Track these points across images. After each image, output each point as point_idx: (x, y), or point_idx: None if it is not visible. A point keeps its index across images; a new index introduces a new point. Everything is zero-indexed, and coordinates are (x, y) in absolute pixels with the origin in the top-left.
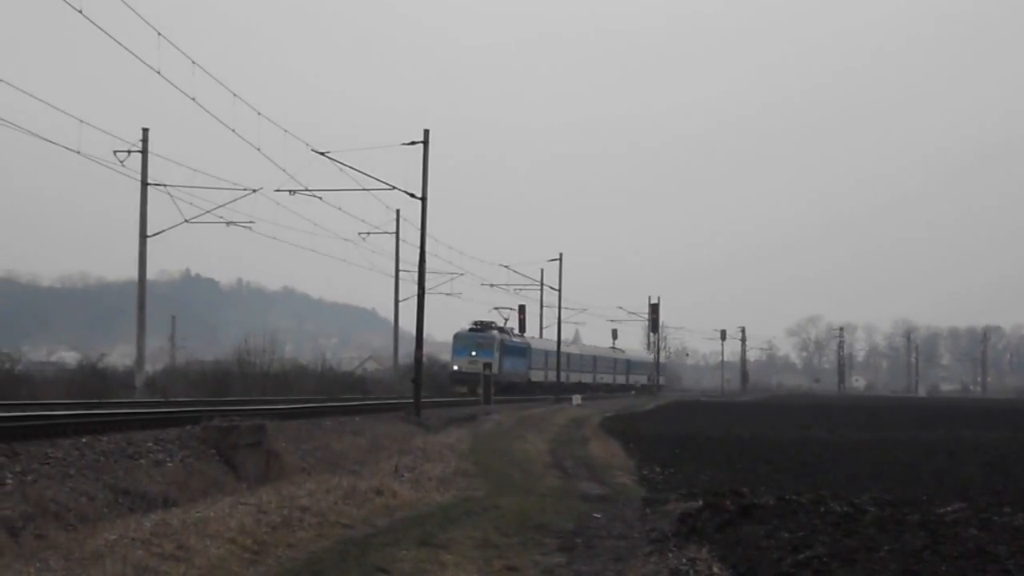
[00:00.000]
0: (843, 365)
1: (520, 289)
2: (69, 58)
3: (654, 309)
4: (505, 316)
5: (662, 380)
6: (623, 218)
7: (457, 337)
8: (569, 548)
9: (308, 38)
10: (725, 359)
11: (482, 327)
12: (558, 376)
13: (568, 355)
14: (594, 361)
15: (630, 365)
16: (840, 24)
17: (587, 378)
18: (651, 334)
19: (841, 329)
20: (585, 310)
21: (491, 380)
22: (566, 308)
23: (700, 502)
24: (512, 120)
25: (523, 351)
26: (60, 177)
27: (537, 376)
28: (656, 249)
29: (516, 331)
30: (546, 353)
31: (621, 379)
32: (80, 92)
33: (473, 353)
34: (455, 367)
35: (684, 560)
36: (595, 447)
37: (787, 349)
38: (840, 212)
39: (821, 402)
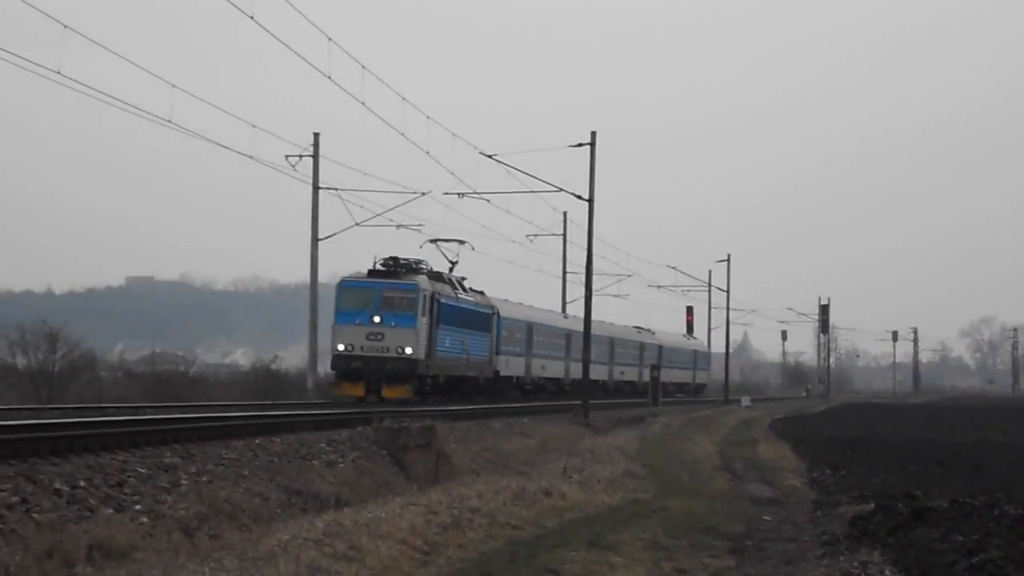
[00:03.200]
0: (1017, 366)
1: (688, 290)
2: (241, 64)
3: (824, 310)
4: (452, 257)
5: (820, 386)
6: (794, 218)
7: (344, 289)
8: (739, 551)
9: (475, 43)
10: (897, 361)
11: (395, 267)
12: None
13: (568, 334)
14: (611, 346)
15: (663, 354)
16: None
17: (600, 372)
18: (821, 335)
19: (1015, 330)
20: (754, 311)
21: (658, 382)
22: (734, 309)
23: (872, 505)
24: (681, 119)
25: (483, 320)
26: (233, 181)
27: (513, 366)
28: (828, 250)
29: (470, 285)
30: (529, 327)
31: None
32: (252, 97)
33: (376, 319)
34: (340, 346)
35: (856, 563)
36: (764, 449)
37: (960, 350)
38: (1015, 213)
39: (995, 404)
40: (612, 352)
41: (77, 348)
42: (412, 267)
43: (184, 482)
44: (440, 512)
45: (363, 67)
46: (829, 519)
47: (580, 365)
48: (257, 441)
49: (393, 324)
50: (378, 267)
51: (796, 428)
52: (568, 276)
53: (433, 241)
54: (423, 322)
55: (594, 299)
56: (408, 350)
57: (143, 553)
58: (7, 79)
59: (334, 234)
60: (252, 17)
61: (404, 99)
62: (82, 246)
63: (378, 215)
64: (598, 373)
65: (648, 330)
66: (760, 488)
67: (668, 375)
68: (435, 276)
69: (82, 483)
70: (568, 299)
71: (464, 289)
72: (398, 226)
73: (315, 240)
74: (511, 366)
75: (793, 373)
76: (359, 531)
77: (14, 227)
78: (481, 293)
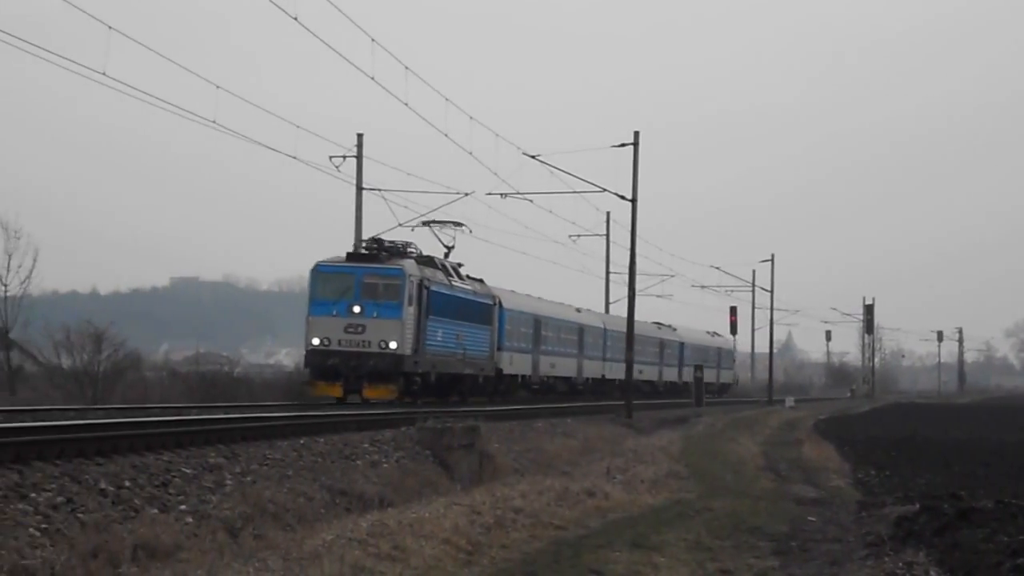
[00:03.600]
0: None
1: (731, 291)
2: (285, 65)
3: (868, 310)
4: (448, 242)
5: (865, 386)
6: (837, 217)
7: (319, 275)
8: (783, 551)
9: (518, 43)
10: (942, 361)
11: (378, 249)
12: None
13: (581, 328)
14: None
15: (684, 352)
16: None
17: (615, 370)
18: (865, 335)
19: None
20: (798, 311)
21: (702, 382)
22: (778, 309)
23: (917, 506)
24: (722, 118)
25: (483, 312)
26: (277, 182)
27: (518, 363)
28: (872, 249)
29: (465, 271)
30: (537, 321)
31: (672, 373)
32: (296, 98)
33: (356, 308)
34: (314, 340)
35: (901, 564)
36: (808, 450)
37: (1005, 350)
38: None
39: None
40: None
41: (122, 349)
42: (398, 250)
43: (229, 482)
44: (484, 512)
45: (406, 68)
46: (874, 520)
47: (593, 363)
48: (301, 441)
49: (375, 315)
50: (360, 250)
51: (841, 428)
52: (611, 276)
53: (426, 223)
54: (410, 312)
55: (637, 299)
56: (392, 344)
57: (188, 553)
58: (51, 80)
59: (378, 235)
60: (296, 18)
61: (447, 100)
62: (127, 247)
63: (421, 216)
64: (613, 371)
65: (668, 326)
66: (804, 489)
67: (689, 374)
68: (425, 261)
69: (127, 483)
70: (611, 299)
71: (460, 276)
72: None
73: (359, 241)
74: (516, 363)
75: (837, 373)
76: (403, 531)
77: (59, 227)
78: (480, 281)
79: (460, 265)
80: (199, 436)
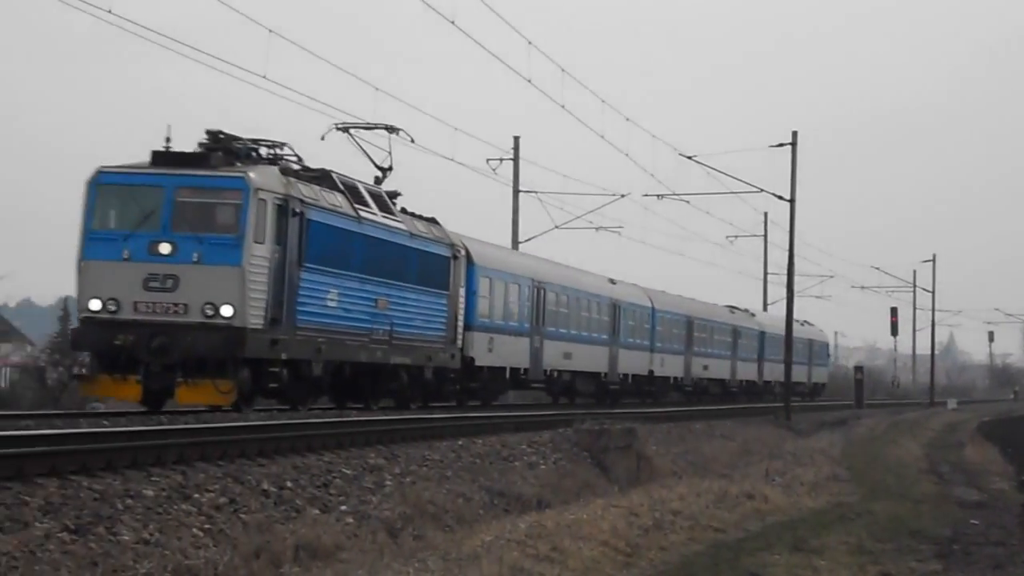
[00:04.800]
0: None
1: (892, 291)
2: (442, 67)
3: None
4: (382, 160)
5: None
6: (1001, 215)
7: (100, 190)
8: (946, 555)
9: (674, 44)
10: None
11: (213, 147)
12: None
13: (615, 305)
14: (688, 329)
15: (766, 343)
16: None
17: (672, 366)
18: None
19: None
20: (960, 312)
21: (863, 384)
22: (939, 311)
23: None
24: (885, 118)
25: (431, 267)
26: (434, 183)
27: (503, 351)
28: None
29: (398, 202)
30: (537, 290)
31: (748, 370)
32: (453, 100)
33: (164, 247)
34: (93, 303)
35: None
36: (971, 452)
37: None
38: None
39: None
40: (690, 337)
41: None
42: (247, 151)
43: (389, 483)
44: (641, 514)
45: (562, 70)
46: None
47: (635, 355)
48: (460, 442)
49: (196, 258)
50: (187, 150)
51: (1004, 431)
52: (769, 278)
53: (343, 128)
54: (261, 254)
55: (796, 301)
56: (227, 310)
57: (348, 553)
58: (213, 83)
59: (534, 236)
60: (453, 22)
61: (604, 101)
62: None
63: (578, 217)
64: (665, 367)
65: (745, 311)
66: (967, 491)
67: (772, 371)
68: (311, 176)
69: (289, 484)
70: (769, 300)
71: (389, 209)
72: (597, 228)
73: (515, 243)
74: (500, 351)
75: (1000, 375)
76: (561, 532)
77: None
78: (433, 221)
79: (396, 195)
80: (359, 437)
